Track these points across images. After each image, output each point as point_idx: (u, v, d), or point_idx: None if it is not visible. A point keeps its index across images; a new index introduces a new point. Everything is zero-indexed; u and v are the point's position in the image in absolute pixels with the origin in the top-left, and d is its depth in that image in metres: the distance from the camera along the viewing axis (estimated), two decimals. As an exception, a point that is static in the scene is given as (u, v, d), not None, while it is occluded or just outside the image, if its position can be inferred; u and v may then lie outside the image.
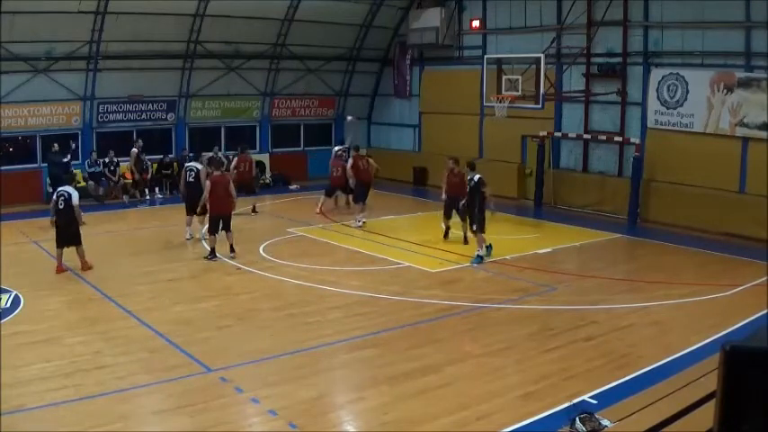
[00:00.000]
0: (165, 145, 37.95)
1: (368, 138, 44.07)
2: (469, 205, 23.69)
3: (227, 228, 23.47)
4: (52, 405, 12.77)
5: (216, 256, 23.00)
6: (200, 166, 25.86)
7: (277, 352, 15.48)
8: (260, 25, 37.43)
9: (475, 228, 23.28)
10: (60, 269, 21.40)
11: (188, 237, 25.88)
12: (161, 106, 37.81)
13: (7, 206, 30.32)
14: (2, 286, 20.04)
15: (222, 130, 40.05)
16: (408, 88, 41.32)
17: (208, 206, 23.69)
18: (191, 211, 25.82)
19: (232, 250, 23.45)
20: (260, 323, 17.47)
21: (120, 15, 33.19)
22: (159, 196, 35.69)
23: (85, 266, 21.53)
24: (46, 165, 33.86)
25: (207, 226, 24.07)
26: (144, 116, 37.42)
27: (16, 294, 19.50)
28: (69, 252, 21.58)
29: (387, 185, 37.94)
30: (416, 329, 16.94)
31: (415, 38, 38.64)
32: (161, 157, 36.74)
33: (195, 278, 21.68)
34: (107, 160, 35.58)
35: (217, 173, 23.93)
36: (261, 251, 24.57)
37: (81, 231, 21.67)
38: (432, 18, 37.53)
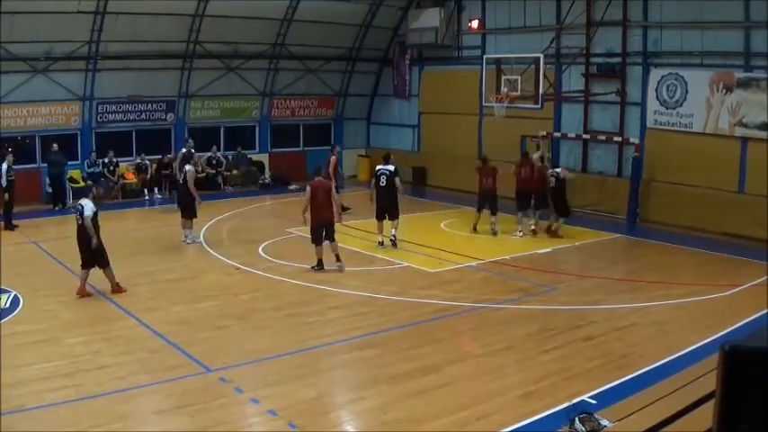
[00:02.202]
0: (164, 145, 37.94)
1: (367, 138, 44.14)
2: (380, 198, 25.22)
3: (330, 237, 22.01)
4: (52, 405, 12.80)
5: (323, 267, 21.94)
6: (188, 167, 25.77)
7: (277, 352, 15.52)
8: (259, 25, 37.47)
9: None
10: (83, 292, 19.49)
11: (187, 240, 25.82)
12: (160, 106, 37.86)
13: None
14: (1, 286, 20.09)
15: (222, 130, 40.08)
16: (408, 88, 41.32)
17: (308, 215, 22.23)
18: (184, 213, 25.85)
19: (338, 259, 22.03)
20: (260, 323, 17.47)
21: (119, 15, 33.23)
22: (158, 196, 35.71)
23: (117, 290, 19.78)
24: (46, 165, 33.95)
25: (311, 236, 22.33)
26: (143, 116, 37.45)
27: (15, 294, 19.54)
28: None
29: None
30: (416, 329, 16.98)
31: (415, 38, 38.64)
32: (160, 157, 36.69)
33: (195, 278, 21.70)
34: (106, 160, 35.64)
35: (318, 178, 22.33)
36: (260, 251, 24.56)
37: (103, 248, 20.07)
38: (431, 18, 37.52)
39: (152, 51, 35.58)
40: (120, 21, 33.45)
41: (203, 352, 15.41)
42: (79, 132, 35.85)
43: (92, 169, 35.15)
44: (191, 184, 25.08)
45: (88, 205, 19.49)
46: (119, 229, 26.97)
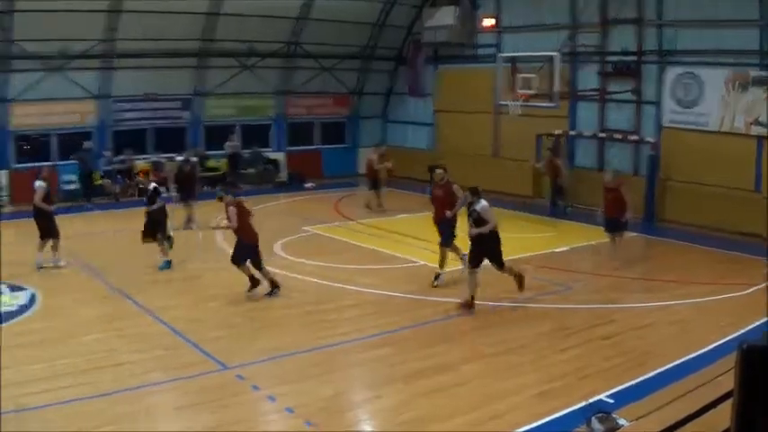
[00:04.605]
0: (180, 143, 38.03)
1: (383, 136, 44.03)
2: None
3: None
4: (67, 402, 12.88)
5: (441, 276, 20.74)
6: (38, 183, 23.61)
7: (294, 349, 15.57)
8: (274, 24, 37.50)
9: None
10: None
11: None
12: (176, 104, 37.96)
13: (23, 204, 30.39)
14: (18, 284, 20.22)
15: (237, 128, 40.08)
16: (423, 87, 41.23)
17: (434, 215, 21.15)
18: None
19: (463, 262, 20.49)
20: (276, 321, 17.57)
21: (134, 14, 33.37)
22: (174, 195, 35.78)
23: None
24: (75, 161, 34.18)
25: None
26: (159, 114, 37.58)
27: (33, 292, 19.68)
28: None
29: (402, 184, 37.93)
30: (432, 328, 17.04)
31: (430, 36, 38.53)
32: (175, 155, 36.73)
33: (211, 276, 21.74)
34: (123, 158, 35.76)
35: (439, 181, 21.11)
36: (276, 249, 24.59)
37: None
38: (446, 16, 37.42)
39: (167, 49, 35.56)
40: (135, 19, 33.58)
41: (220, 349, 15.48)
42: (95, 130, 35.96)
43: (108, 167, 35.26)
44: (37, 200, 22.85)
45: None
46: (135, 227, 27.05)
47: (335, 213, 31.19)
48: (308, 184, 38.77)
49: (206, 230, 25.69)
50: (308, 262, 22.82)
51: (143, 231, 22.69)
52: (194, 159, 28.19)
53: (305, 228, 27.77)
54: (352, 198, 33.15)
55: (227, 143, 38.54)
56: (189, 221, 27.94)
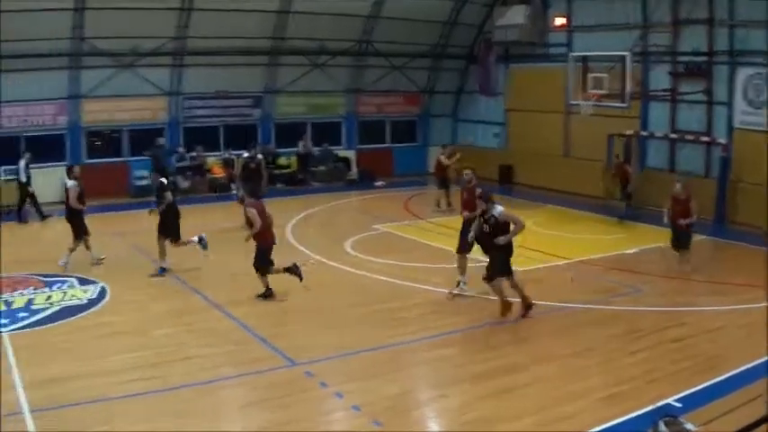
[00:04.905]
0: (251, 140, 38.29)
1: (453, 135, 44.05)
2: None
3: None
4: (136, 395, 13.15)
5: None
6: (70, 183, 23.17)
7: (361, 347, 15.69)
8: (345, 22, 37.73)
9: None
10: None
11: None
12: (247, 102, 38.33)
13: (94, 199, 30.85)
14: (88, 278, 20.65)
15: (308, 126, 40.38)
16: (494, 85, 41.06)
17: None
18: None
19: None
20: (345, 318, 17.65)
21: (205, 12, 33.80)
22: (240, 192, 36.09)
23: None
24: (149, 157, 34.59)
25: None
26: (230, 112, 38.01)
27: (102, 286, 20.07)
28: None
29: (471, 183, 38.04)
30: (500, 328, 17.00)
31: (501, 35, 38.36)
32: (242, 152, 37.07)
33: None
34: (194, 155, 36.17)
35: (467, 184, 20.51)
36: (346, 247, 24.75)
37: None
38: (517, 15, 37.24)
39: (238, 47, 35.96)
40: (206, 17, 34.04)
41: (289, 345, 15.64)
42: (166, 127, 36.49)
43: (180, 163, 35.74)
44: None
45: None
46: (206, 223, 27.30)
47: (405, 212, 31.30)
48: (379, 183, 38.88)
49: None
50: (377, 260, 22.91)
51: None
52: (260, 157, 28.14)
53: (375, 226, 27.90)
54: (421, 197, 33.20)
55: (300, 143, 38.89)
56: None
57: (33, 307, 18.51)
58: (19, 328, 16.91)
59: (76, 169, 23.03)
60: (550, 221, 29.25)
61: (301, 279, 19.50)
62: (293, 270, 19.51)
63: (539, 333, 17.01)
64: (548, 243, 25.26)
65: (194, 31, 34.49)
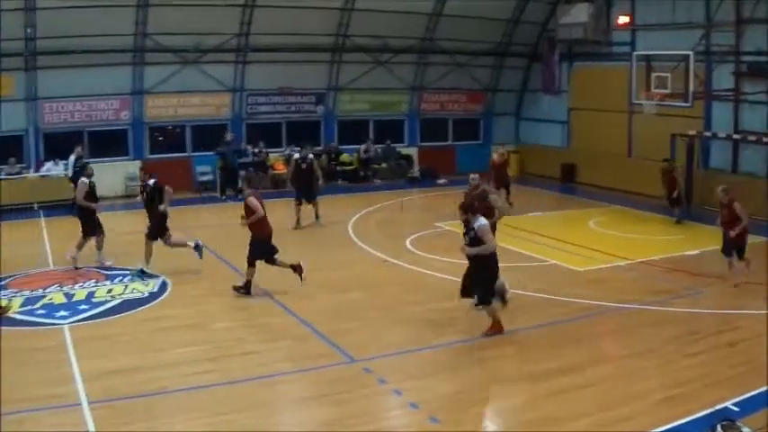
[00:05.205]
0: (313, 137, 38.60)
1: (516, 133, 44.11)
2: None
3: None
4: (195, 388, 13.41)
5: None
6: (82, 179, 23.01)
7: (421, 345, 15.82)
8: (408, 20, 37.94)
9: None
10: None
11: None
12: (310, 99, 38.70)
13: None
14: (150, 271, 20.99)
15: (371, 123, 40.62)
16: (557, 84, 41.06)
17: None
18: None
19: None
20: (405, 316, 17.74)
21: (268, 8, 34.25)
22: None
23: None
24: (218, 154, 35.18)
25: None
26: (293, 108, 38.50)
27: (164, 279, 20.48)
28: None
29: (534, 181, 38.01)
30: (560, 328, 17.05)
31: (564, 33, 38.34)
32: (320, 148, 37.51)
33: (342, 269, 22.22)
34: (257, 151, 36.50)
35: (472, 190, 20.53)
36: (407, 244, 24.92)
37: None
38: (580, 13, 37.14)
39: (301, 44, 36.34)
40: (269, 14, 34.48)
41: (348, 342, 15.80)
42: (229, 123, 36.95)
43: (242, 159, 36.08)
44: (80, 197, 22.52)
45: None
46: (269, 219, 27.65)
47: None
48: (441, 180, 38.96)
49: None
50: (438, 258, 22.90)
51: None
52: (311, 157, 28.16)
53: (437, 224, 27.94)
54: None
55: (361, 147, 39.52)
56: (316, 218, 28.11)
57: (94, 300, 18.92)
58: (79, 321, 17.31)
59: (91, 168, 23.22)
60: (612, 221, 29.25)
61: (302, 280, 19.64)
62: (298, 269, 19.66)
63: (597, 334, 17.07)
64: (609, 243, 25.27)
65: (257, 28, 34.99)
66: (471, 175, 19.42)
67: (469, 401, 13.44)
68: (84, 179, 22.47)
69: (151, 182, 21.57)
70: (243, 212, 19.46)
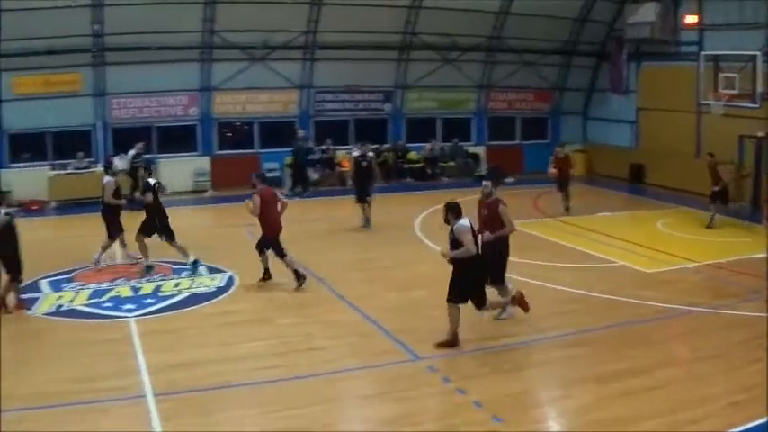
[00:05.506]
0: (381, 135, 38.92)
1: (584, 133, 44.04)
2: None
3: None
4: (261, 383, 13.69)
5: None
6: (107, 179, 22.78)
7: (486, 344, 15.94)
8: (476, 18, 38.04)
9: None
10: None
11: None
12: (377, 96, 39.04)
13: (224, 189, 31.72)
14: (217, 266, 21.41)
15: (438, 121, 40.80)
16: (625, 83, 40.88)
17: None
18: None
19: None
20: (470, 314, 17.14)
21: (336, 6, 34.69)
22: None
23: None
24: (292, 150, 35.55)
25: None
26: (360, 106, 38.85)
27: (231, 275, 20.80)
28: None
29: (602, 182, 37.94)
30: (627, 330, 16.98)
31: (632, 32, 38.13)
32: (376, 146, 37.41)
33: (408, 267, 22.36)
34: (324, 148, 36.83)
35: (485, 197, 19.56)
36: (475, 244, 24.95)
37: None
38: (648, 12, 36.93)
39: (369, 42, 36.65)
40: (336, 11, 34.91)
41: (413, 340, 15.94)
42: (297, 120, 37.41)
43: (309, 156, 36.46)
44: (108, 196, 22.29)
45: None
46: (335, 216, 27.88)
47: (534, 209, 31.42)
48: (509, 179, 38.96)
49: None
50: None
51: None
52: (371, 155, 28.24)
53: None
54: (551, 195, 33.02)
55: (427, 145, 39.71)
56: (366, 222, 27.58)
57: (161, 293, 19.33)
58: (145, 314, 17.71)
59: (116, 165, 23.30)
60: (680, 223, 29.07)
61: (300, 286, 19.77)
62: (300, 277, 19.82)
63: (666, 336, 16.99)
64: (676, 245, 25.15)
65: (324, 25, 35.40)
66: (483, 182, 18.68)
67: (534, 401, 13.61)
68: (110, 178, 22.41)
69: (152, 181, 21.93)
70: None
